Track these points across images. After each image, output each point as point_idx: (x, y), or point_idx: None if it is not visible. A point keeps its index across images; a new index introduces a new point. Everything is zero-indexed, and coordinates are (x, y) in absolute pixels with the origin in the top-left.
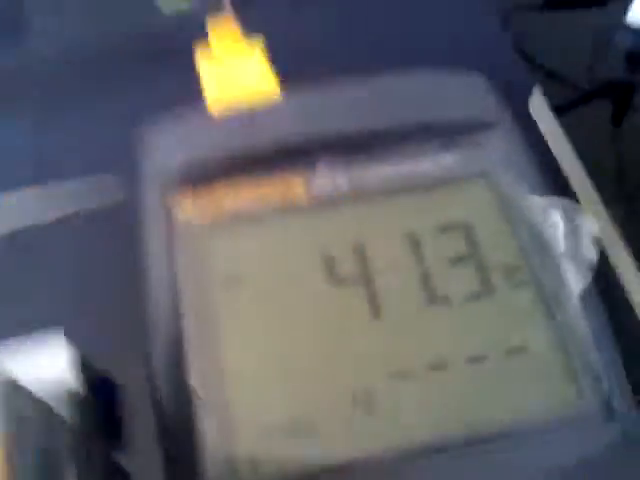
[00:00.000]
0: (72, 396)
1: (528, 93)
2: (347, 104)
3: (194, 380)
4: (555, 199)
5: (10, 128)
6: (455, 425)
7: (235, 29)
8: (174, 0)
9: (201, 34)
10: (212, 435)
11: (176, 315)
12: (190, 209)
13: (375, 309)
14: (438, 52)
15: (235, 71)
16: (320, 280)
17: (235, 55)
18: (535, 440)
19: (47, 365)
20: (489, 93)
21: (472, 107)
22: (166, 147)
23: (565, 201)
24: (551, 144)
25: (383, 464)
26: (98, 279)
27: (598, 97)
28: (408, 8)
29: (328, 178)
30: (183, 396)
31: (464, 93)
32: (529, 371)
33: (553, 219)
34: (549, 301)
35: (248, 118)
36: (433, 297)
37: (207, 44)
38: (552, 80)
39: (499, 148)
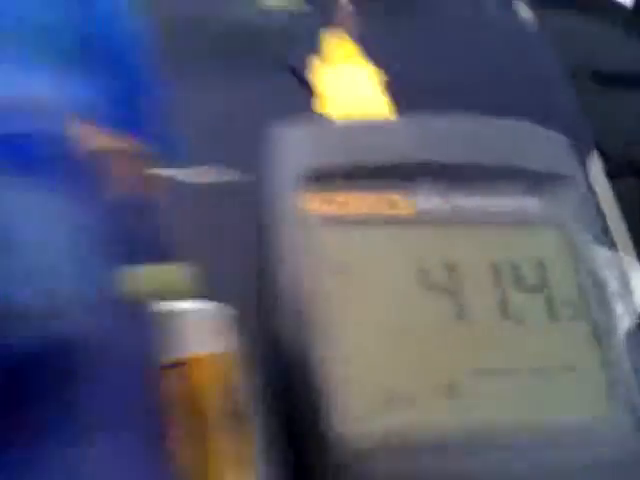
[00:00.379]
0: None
1: (587, 154)
2: (456, 136)
3: (317, 352)
4: (614, 251)
5: None
6: (512, 418)
7: (351, 44)
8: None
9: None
10: (334, 404)
11: (300, 292)
12: (313, 204)
13: (458, 316)
14: (525, 108)
15: (350, 85)
16: (414, 282)
17: (350, 69)
18: (572, 443)
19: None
20: (569, 150)
21: (554, 161)
22: (297, 149)
23: (621, 254)
24: (602, 204)
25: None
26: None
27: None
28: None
29: (431, 199)
30: (308, 369)
31: (550, 147)
32: (575, 386)
33: (611, 266)
34: (600, 332)
35: (370, 131)
36: (507, 314)
37: (322, 54)
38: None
39: (572, 199)
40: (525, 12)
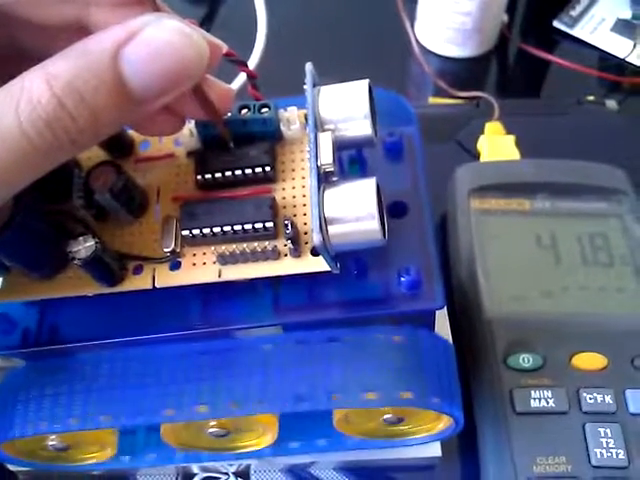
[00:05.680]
0: None
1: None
2: (557, 168)
3: (480, 274)
4: None
5: None
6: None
7: (500, 127)
8: None
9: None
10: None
11: (469, 249)
12: (476, 204)
13: (557, 261)
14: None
15: (498, 146)
16: (533, 244)
17: (499, 139)
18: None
19: None
20: (624, 177)
21: (616, 182)
22: (468, 176)
23: None
24: None
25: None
26: None
27: None
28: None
29: (542, 201)
30: (473, 286)
31: (614, 175)
32: (623, 296)
33: None
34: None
35: (508, 165)
36: (585, 261)
37: (486, 130)
38: None
39: (627, 203)
40: (612, 104)
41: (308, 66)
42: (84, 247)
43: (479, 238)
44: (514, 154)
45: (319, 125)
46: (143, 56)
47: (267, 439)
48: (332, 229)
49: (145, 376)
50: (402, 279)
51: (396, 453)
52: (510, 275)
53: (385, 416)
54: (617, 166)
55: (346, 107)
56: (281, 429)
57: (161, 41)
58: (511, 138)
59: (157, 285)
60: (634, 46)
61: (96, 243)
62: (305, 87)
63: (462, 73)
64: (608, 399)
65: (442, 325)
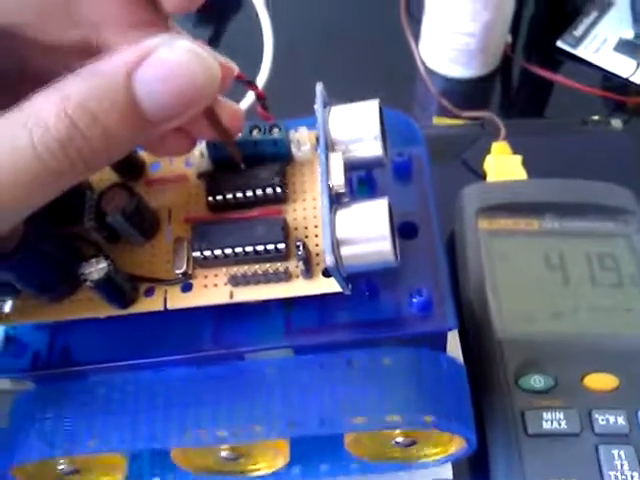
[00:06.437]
0: None
1: None
2: (564, 188)
3: (489, 295)
4: None
5: None
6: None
7: (506, 147)
8: None
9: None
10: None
11: (478, 268)
12: (483, 224)
13: (565, 282)
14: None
15: (504, 166)
16: (541, 263)
17: (506, 159)
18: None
19: None
20: (631, 197)
21: (622, 201)
22: (475, 196)
23: None
24: None
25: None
26: None
27: None
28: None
29: (550, 221)
30: (483, 305)
31: (621, 195)
32: (630, 315)
33: None
34: None
35: (514, 185)
36: (594, 282)
37: (493, 150)
38: None
39: (634, 223)
40: (617, 123)
41: (318, 87)
42: (96, 269)
43: (488, 258)
44: (521, 174)
45: (330, 146)
46: (157, 77)
47: (278, 462)
48: (344, 250)
49: (155, 399)
50: (414, 300)
51: (407, 475)
52: (519, 295)
53: (397, 439)
54: (624, 186)
55: (357, 128)
56: (292, 452)
57: (174, 62)
58: (518, 158)
59: (169, 307)
60: (637, 65)
61: (108, 265)
62: (315, 107)
63: (466, 93)
64: (621, 420)
65: (453, 346)
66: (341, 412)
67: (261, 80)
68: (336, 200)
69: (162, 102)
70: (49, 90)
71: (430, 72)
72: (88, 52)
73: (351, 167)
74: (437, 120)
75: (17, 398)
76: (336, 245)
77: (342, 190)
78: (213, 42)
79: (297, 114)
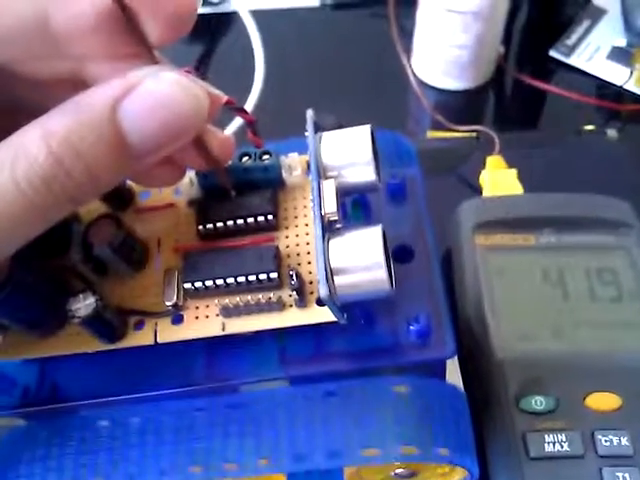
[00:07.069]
0: None
1: None
2: (561, 202)
3: (488, 313)
4: None
5: None
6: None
7: (501, 161)
8: None
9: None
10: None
11: (475, 284)
12: (480, 240)
13: (564, 298)
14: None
15: (500, 181)
16: (538, 278)
17: (501, 173)
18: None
19: None
20: (629, 210)
21: (621, 214)
22: (471, 211)
23: None
24: None
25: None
26: None
27: None
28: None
29: (546, 235)
30: (480, 323)
31: (619, 208)
32: (629, 331)
33: None
34: None
35: (510, 200)
36: (594, 297)
37: (487, 165)
38: None
39: (633, 236)
40: (612, 133)
41: (309, 113)
42: (84, 305)
43: (485, 275)
44: (517, 188)
45: (322, 172)
46: (142, 109)
47: None
48: (338, 280)
49: (145, 435)
50: (411, 327)
51: None
52: (519, 313)
53: (397, 470)
54: (621, 197)
55: (349, 154)
56: None
57: (160, 94)
58: (513, 172)
59: (159, 340)
60: (631, 73)
61: (96, 300)
62: (306, 134)
63: (459, 105)
64: (624, 441)
65: (452, 371)
66: (318, 447)
67: (252, 100)
68: (329, 227)
69: (148, 134)
70: (33, 125)
71: (422, 85)
72: (77, 85)
73: (344, 193)
74: (431, 134)
75: (6, 435)
76: (330, 275)
77: (335, 217)
78: (204, 63)
79: (289, 132)
